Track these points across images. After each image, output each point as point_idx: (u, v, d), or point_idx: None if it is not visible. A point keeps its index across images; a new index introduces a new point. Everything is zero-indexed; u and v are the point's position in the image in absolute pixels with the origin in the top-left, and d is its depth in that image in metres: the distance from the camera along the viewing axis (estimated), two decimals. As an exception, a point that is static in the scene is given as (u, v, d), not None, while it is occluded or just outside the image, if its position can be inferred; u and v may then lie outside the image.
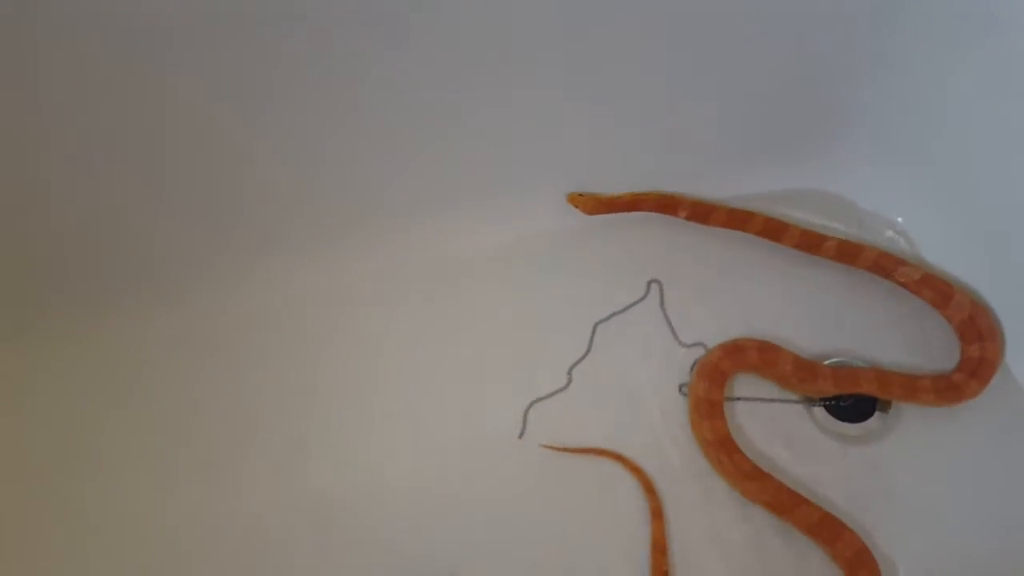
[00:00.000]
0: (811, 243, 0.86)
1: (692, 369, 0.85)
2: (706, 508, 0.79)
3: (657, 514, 0.78)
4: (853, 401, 0.82)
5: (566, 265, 0.91)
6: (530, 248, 0.92)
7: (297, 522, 0.80)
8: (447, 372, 0.87)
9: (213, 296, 0.89)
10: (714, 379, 0.81)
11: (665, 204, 0.89)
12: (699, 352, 0.86)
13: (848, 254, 0.85)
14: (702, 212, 0.89)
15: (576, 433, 0.82)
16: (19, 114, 0.70)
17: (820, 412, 0.83)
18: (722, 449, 0.78)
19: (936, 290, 0.83)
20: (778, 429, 0.82)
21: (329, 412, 0.85)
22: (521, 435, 0.83)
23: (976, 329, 0.81)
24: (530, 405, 0.84)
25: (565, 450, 0.81)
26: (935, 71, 0.80)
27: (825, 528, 0.75)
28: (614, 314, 0.88)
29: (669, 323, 0.88)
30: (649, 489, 0.79)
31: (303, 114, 0.77)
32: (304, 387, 0.86)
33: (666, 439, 0.82)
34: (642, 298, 0.89)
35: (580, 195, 0.89)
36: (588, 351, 0.87)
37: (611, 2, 0.73)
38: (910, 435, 0.81)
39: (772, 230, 0.87)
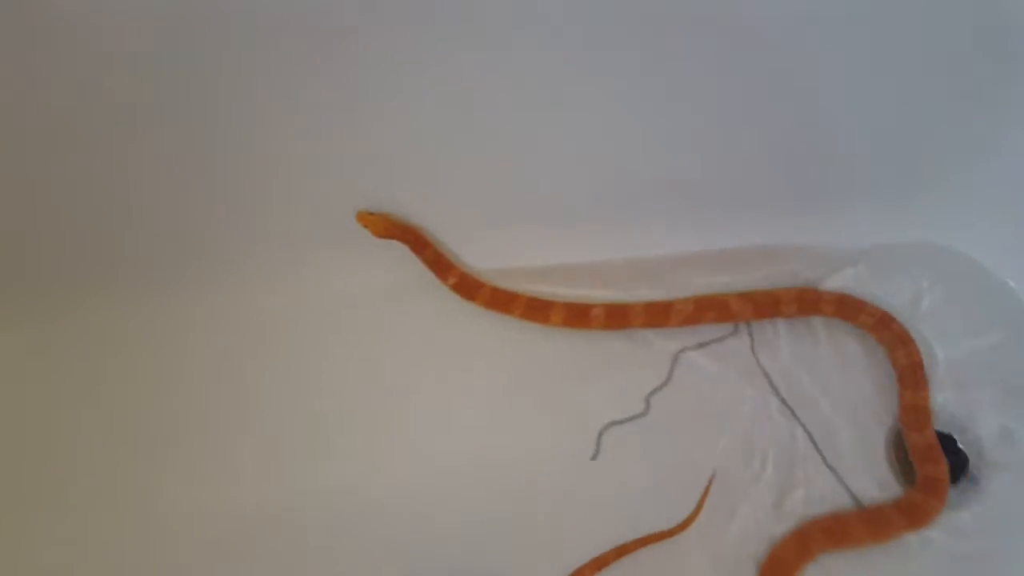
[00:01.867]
0: (577, 315, 0.85)
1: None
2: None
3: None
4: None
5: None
6: (616, 270, 0.91)
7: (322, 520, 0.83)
8: (520, 388, 0.88)
9: (204, 286, 0.91)
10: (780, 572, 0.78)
11: (437, 263, 0.86)
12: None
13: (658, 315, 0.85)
14: (467, 287, 0.86)
15: (649, 461, 0.83)
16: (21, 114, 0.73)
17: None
18: None
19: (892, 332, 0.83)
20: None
21: (387, 420, 0.87)
22: (595, 457, 0.85)
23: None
24: (605, 427, 0.85)
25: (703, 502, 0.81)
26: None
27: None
28: (701, 345, 0.88)
29: (762, 369, 0.86)
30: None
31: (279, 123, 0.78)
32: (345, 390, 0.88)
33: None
34: (730, 334, 0.88)
35: (371, 214, 0.83)
36: (668, 380, 0.87)
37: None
38: (994, 503, 0.79)
39: (535, 309, 0.85)
